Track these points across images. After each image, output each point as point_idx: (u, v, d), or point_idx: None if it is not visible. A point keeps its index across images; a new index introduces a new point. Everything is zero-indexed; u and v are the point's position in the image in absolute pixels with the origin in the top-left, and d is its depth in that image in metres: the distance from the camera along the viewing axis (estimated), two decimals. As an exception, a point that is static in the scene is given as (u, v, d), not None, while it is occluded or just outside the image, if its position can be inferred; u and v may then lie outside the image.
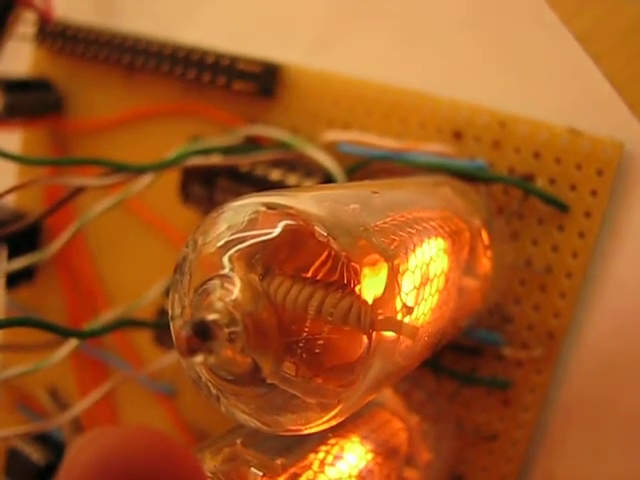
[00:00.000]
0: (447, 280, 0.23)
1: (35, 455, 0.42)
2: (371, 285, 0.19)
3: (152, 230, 0.39)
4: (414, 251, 0.21)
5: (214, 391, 0.22)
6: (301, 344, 0.20)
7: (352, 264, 0.19)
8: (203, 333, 0.18)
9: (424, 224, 0.23)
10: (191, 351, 0.18)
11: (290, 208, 0.20)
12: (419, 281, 0.21)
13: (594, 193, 0.29)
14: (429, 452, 0.28)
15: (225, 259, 0.21)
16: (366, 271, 0.19)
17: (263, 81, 0.34)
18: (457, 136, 0.31)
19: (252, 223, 0.21)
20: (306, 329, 0.20)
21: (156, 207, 0.39)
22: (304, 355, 0.20)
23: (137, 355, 0.40)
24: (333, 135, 0.33)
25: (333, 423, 0.20)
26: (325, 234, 0.19)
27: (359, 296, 0.19)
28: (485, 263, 0.27)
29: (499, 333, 0.31)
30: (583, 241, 0.30)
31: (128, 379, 0.33)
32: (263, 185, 0.33)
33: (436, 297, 0.23)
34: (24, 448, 0.42)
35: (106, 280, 0.42)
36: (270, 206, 0.21)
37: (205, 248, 0.21)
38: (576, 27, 0.30)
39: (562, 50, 0.30)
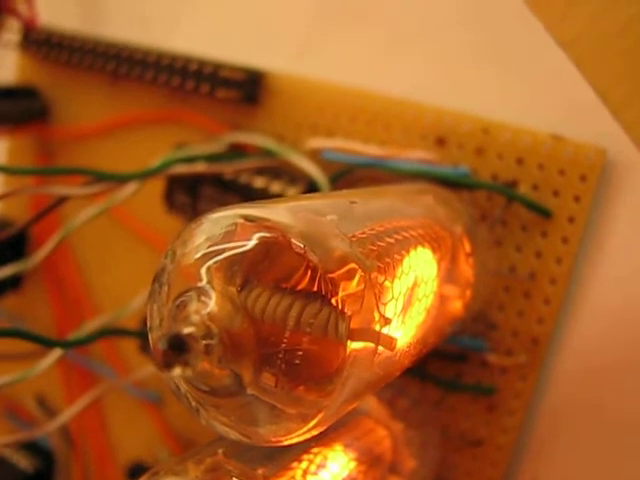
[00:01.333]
0: (427, 289, 0.23)
1: (23, 462, 0.42)
2: (348, 296, 0.19)
3: (137, 238, 0.39)
4: (393, 261, 0.21)
5: (194, 403, 0.22)
6: (280, 355, 0.20)
7: (329, 275, 0.19)
8: (179, 346, 0.18)
9: (404, 233, 0.23)
10: (167, 364, 0.18)
11: (266, 220, 0.20)
12: (398, 291, 0.21)
13: (577, 199, 0.29)
14: (413, 459, 0.28)
15: (203, 271, 0.21)
16: (343, 282, 0.19)
17: (247, 88, 0.34)
18: (440, 143, 0.31)
19: (230, 235, 0.21)
20: (285, 340, 0.20)
21: (141, 215, 0.39)
22: (283, 366, 0.20)
23: (123, 363, 0.40)
24: (317, 142, 0.33)
25: (314, 433, 0.20)
26: (301, 246, 0.19)
27: (336, 307, 0.20)
28: (467, 270, 0.27)
29: (483, 339, 0.31)
30: (567, 247, 0.30)
31: (114, 387, 0.33)
32: (247, 193, 0.33)
33: (416, 306, 0.23)
34: (12, 456, 0.42)
35: (92, 288, 0.42)
36: (247, 218, 0.21)
37: (184, 259, 0.21)
38: (559, 33, 0.30)
39: (545, 56, 0.30)
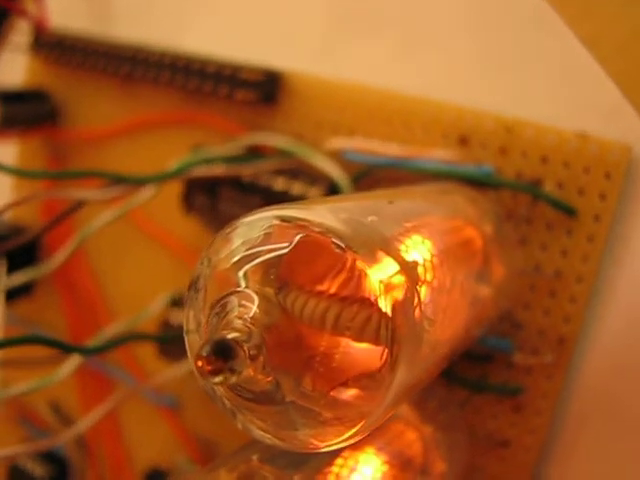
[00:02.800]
0: (463, 289, 0.23)
1: (38, 470, 0.41)
2: (390, 297, 0.19)
3: (154, 242, 0.39)
4: (431, 261, 0.21)
5: (229, 406, 0.22)
6: (318, 358, 0.20)
7: (371, 276, 0.19)
8: (224, 352, 0.18)
9: (440, 234, 0.23)
10: (213, 372, 0.17)
11: (306, 221, 0.20)
12: (437, 291, 0.21)
13: (602, 197, 0.29)
14: (443, 462, 0.28)
15: (240, 275, 0.20)
16: (385, 283, 0.19)
17: (265, 89, 0.34)
18: (463, 142, 0.31)
19: (267, 237, 0.20)
20: (323, 343, 0.20)
21: (158, 218, 0.39)
22: (321, 369, 0.20)
23: (140, 367, 0.39)
24: (338, 142, 0.33)
25: (353, 441, 0.20)
26: (343, 246, 0.19)
27: (379, 308, 0.19)
28: (497, 270, 0.26)
29: (509, 339, 0.31)
30: (592, 245, 0.29)
31: (132, 393, 0.33)
32: (268, 194, 0.33)
33: (453, 307, 0.22)
34: (27, 463, 0.41)
35: (107, 293, 0.42)
36: (285, 219, 0.20)
37: (220, 264, 0.21)
38: (582, 31, 0.30)
39: (568, 54, 0.30)
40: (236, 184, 0.34)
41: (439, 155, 0.31)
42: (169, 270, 0.39)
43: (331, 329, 0.20)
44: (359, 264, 0.19)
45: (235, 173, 0.33)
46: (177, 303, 0.36)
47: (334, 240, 0.19)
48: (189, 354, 0.21)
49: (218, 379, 0.18)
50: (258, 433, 0.22)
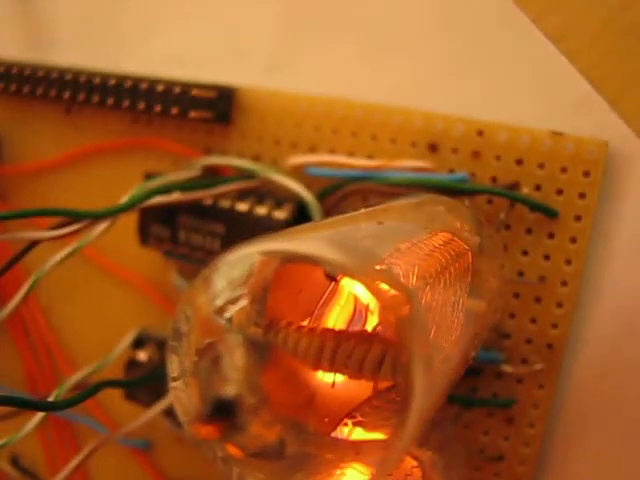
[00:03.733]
0: (460, 307, 0.22)
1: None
2: (400, 326, 0.17)
3: (110, 278, 0.37)
4: (430, 283, 0.20)
5: (227, 463, 0.20)
6: (320, 398, 0.18)
7: (374, 306, 0.18)
8: (225, 411, 0.16)
9: (433, 252, 0.21)
10: (217, 434, 0.16)
11: (293, 253, 0.18)
12: (439, 314, 0.20)
13: (582, 195, 0.28)
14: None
15: (226, 317, 0.19)
16: (391, 312, 0.17)
17: (218, 107, 0.32)
18: (433, 149, 0.30)
19: (251, 275, 0.19)
20: (322, 381, 0.19)
21: (112, 252, 0.36)
22: (325, 410, 0.19)
23: (105, 410, 0.37)
24: (299, 158, 0.31)
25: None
26: (337, 275, 0.18)
27: (385, 339, 0.18)
28: (488, 281, 0.25)
29: (497, 350, 0.30)
30: (576, 246, 0.28)
31: (104, 442, 0.31)
32: (230, 218, 0.31)
33: (454, 327, 0.21)
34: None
35: (64, 337, 0.39)
36: (269, 254, 0.19)
37: (203, 308, 0.19)
38: (547, 26, 0.29)
39: (535, 51, 0.29)
40: (195, 210, 0.32)
41: (409, 164, 0.30)
42: (130, 306, 0.36)
43: (331, 366, 0.18)
44: (358, 294, 0.18)
45: (193, 198, 0.31)
46: (142, 341, 0.34)
47: (328, 270, 0.18)
48: (178, 409, 0.19)
49: (222, 441, 0.16)
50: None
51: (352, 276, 0.17)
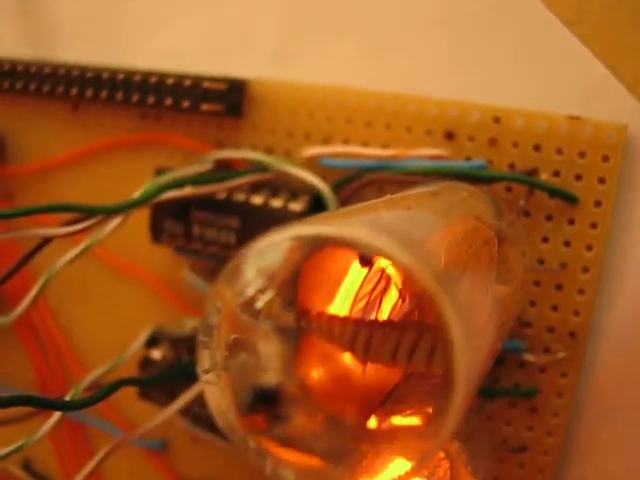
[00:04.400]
0: (491, 294, 0.21)
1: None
2: (442, 312, 0.17)
3: (120, 276, 0.36)
4: (467, 268, 0.19)
5: (261, 454, 0.19)
6: (359, 389, 0.18)
7: (416, 292, 0.17)
8: (269, 400, 0.15)
9: (466, 238, 0.21)
10: (261, 424, 0.15)
11: (330, 237, 0.18)
12: (477, 301, 0.19)
13: (602, 180, 0.28)
14: (472, 477, 0.26)
15: (258, 308, 0.18)
16: (434, 298, 0.17)
17: (230, 99, 0.32)
18: (449, 137, 0.29)
19: (283, 263, 0.18)
20: (360, 370, 0.18)
21: (123, 251, 0.36)
22: (364, 399, 0.18)
23: (118, 411, 0.37)
24: (313, 150, 0.31)
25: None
26: (374, 260, 0.17)
27: (425, 328, 0.17)
28: (514, 268, 0.25)
29: (519, 339, 0.29)
30: (596, 232, 0.28)
31: (120, 444, 0.30)
32: (245, 212, 0.31)
33: (488, 314, 0.21)
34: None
35: (75, 338, 0.39)
36: (303, 239, 0.18)
37: (234, 299, 0.19)
38: (560, 10, 0.28)
39: (549, 35, 0.29)
40: (208, 204, 0.31)
41: (426, 153, 0.29)
42: (142, 305, 0.36)
43: (365, 354, 0.18)
44: (394, 278, 0.17)
45: (206, 192, 0.31)
46: (156, 339, 0.34)
47: (365, 254, 0.17)
48: (210, 403, 0.19)
49: (266, 433, 0.15)
50: (290, 478, 0.19)
51: (391, 259, 0.16)
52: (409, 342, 0.19)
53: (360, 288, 0.19)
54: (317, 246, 0.18)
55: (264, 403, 0.16)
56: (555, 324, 0.29)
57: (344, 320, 0.18)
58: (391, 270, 0.19)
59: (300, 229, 0.18)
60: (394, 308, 0.19)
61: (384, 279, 0.19)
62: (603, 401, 0.29)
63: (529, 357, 0.29)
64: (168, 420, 0.31)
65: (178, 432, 0.36)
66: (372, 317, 0.19)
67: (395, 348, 0.18)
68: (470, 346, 0.17)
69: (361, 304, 0.19)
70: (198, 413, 0.33)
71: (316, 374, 0.18)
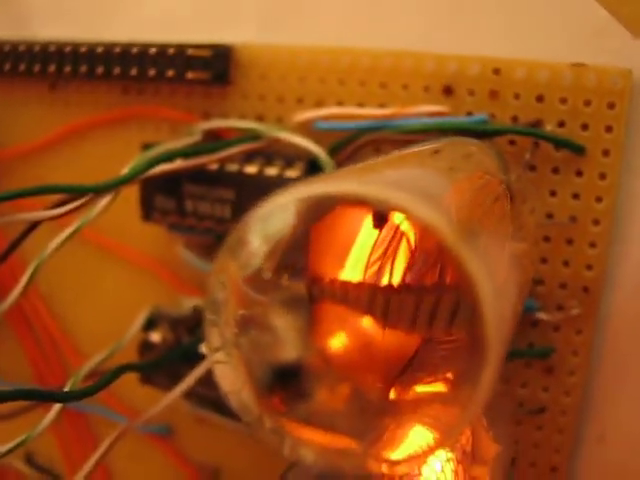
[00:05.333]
0: (508, 251, 0.20)
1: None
2: (468, 271, 0.16)
3: (112, 258, 0.35)
4: (486, 226, 0.18)
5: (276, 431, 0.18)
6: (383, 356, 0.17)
7: (449, 253, 0.16)
8: (290, 377, 0.14)
9: (476, 193, 0.20)
10: (282, 404, 0.14)
11: (340, 194, 0.16)
12: (496, 260, 0.18)
13: (609, 129, 0.27)
14: (495, 444, 0.25)
15: (266, 278, 0.17)
16: (459, 257, 0.16)
17: (216, 66, 0.30)
18: (448, 92, 0.28)
19: (291, 227, 0.17)
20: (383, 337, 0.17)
21: (111, 231, 0.35)
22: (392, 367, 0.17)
23: (120, 397, 0.35)
24: (305, 114, 0.30)
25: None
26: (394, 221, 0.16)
27: (447, 290, 0.16)
28: (528, 223, 0.24)
29: (530, 298, 0.28)
30: (606, 182, 0.27)
31: (124, 432, 0.29)
32: (239, 182, 0.29)
33: (507, 273, 0.20)
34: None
35: (68, 325, 0.37)
36: (312, 199, 0.17)
37: (240, 271, 0.17)
38: (558, -49, 0.27)
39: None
40: (200, 177, 0.30)
41: (424, 110, 0.28)
42: (136, 287, 0.35)
43: (384, 320, 0.17)
44: (412, 238, 0.16)
45: (197, 164, 0.29)
46: (154, 321, 0.33)
47: (380, 212, 0.16)
48: (222, 382, 0.18)
49: (289, 413, 0.14)
50: (310, 457, 0.18)
51: (411, 214, 0.15)
52: (428, 305, 0.17)
53: (373, 250, 0.18)
54: (326, 208, 0.17)
55: (284, 381, 0.14)
56: (567, 280, 0.28)
57: (359, 285, 0.17)
58: (406, 229, 0.17)
59: (308, 189, 0.16)
60: (409, 270, 0.18)
61: (398, 239, 0.18)
62: (620, 357, 0.29)
63: (542, 315, 0.28)
64: (172, 404, 0.30)
65: (182, 415, 0.34)
66: (387, 280, 0.18)
67: (414, 312, 0.17)
68: (498, 306, 0.16)
69: (375, 267, 0.18)
70: (203, 394, 0.32)
71: (335, 342, 0.17)
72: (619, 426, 0.29)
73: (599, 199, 0.27)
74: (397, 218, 0.17)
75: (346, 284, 0.17)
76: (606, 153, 0.27)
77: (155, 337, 0.32)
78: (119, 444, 0.29)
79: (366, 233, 0.18)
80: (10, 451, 0.25)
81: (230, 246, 0.17)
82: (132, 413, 0.34)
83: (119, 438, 0.29)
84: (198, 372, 0.29)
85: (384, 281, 0.18)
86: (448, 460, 0.22)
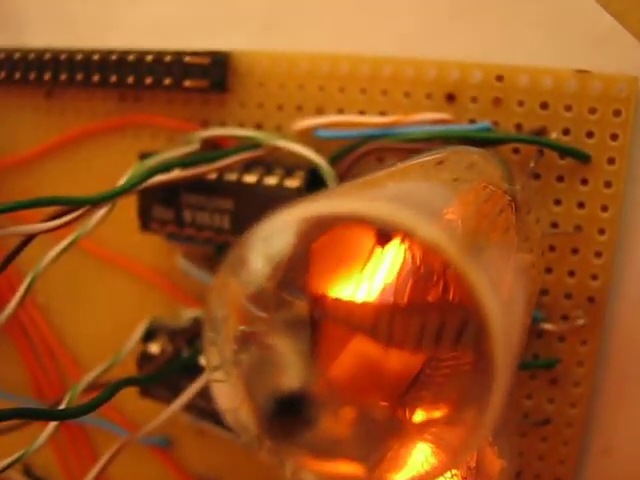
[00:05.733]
0: (516, 264, 0.20)
1: None
2: (473, 288, 0.15)
3: (110, 268, 0.35)
4: (490, 239, 0.18)
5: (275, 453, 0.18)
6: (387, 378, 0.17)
7: (455, 271, 0.15)
8: (293, 404, 0.14)
9: (480, 205, 0.19)
10: (285, 435, 0.14)
11: (343, 214, 0.16)
12: (503, 273, 0.18)
13: (614, 136, 0.26)
14: (500, 459, 0.25)
15: (268, 298, 0.17)
16: (465, 273, 0.15)
17: (214, 74, 0.30)
18: (451, 99, 0.28)
19: (293, 247, 0.17)
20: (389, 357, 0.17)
21: (109, 242, 0.34)
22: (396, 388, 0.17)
23: (119, 410, 0.35)
24: (305, 122, 0.29)
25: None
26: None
27: (453, 309, 0.16)
28: (534, 232, 0.23)
29: (535, 308, 0.28)
30: (611, 191, 0.27)
31: (124, 445, 0.28)
32: (238, 192, 0.29)
33: (515, 286, 0.19)
34: None
35: (67, 337, 0.37)
36: (314, 219, 0.16)
37: (241, 289, 0.17)
38: (562, -44, 0.27)
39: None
40: (199, 187, 0.29)
41: (427, 117, 0.28)
42: (135, 298, 0.34)
43: (389, 341, 0.16)
44: (415, 256, 0.16)
45: (195, 174, 0.29)
46: (152, 333, 0.32)
47: (384, 231, 0.16)
48: (220, 402, 0.17)
49: (293, 443, 0.14)
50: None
51: (414, 234, 0.15)
52: (434, 324, 0.17)
53: (376, 269, 0.17)
54: (328, 226, 0.17)
55: (287, 410, 0.14)
56: (572, 290, 0.28)
57: (362, 306, 0.17)
58: (410, 246, 0.17)
59: (310, 208, 0.16)
60: (414, 289, 0.18)
61: (402, 257, 0.18)
62: (626, 367, 0.28)
63: (547, 326, 0.28)
64: (172, 416, 0.30)
65: (182, 427, 0.34)
66: (391, 299, 0.17)
67: (420, 332, 0.17)
68: (505, 322, 0.16)
69: (378, 286, 0.17)
70: (202, 407, 0.31)
71: (339, 365, 0.16)
72: (625, 438, 0.29)
73: (604, 208, 0.27)
74: (401, 236, 0.17)
75: (349, 304, 0.17)
76: (611, 161, 0.26)
77: (154, 348, 0.32)
78: (119, 456, 0.29)
79: (369, 251, 0.17)
80: (8, 467, 0.25)
81: (230, 264, 0.17)
82: (131, 425, 0.34)
83: (119, 451, 0.28)
84: (197, 385, 0.29)
85: (388, 300, 0.17)
86: (452, 476, 0.22)
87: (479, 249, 0.16)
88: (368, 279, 0.17)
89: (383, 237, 0.17)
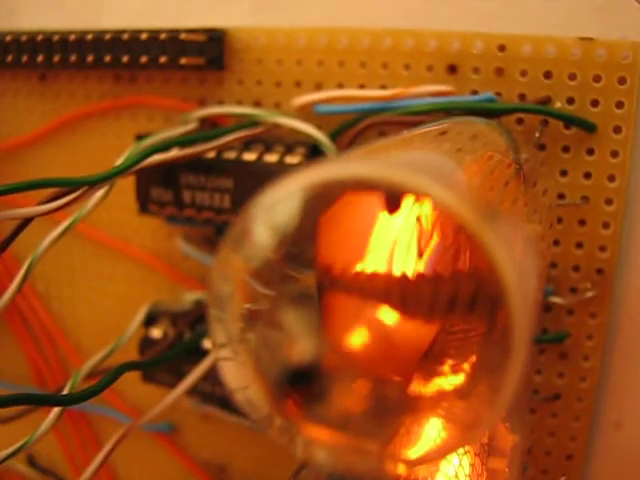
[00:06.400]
0: (527, 235, 0.19)
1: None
2: (489, 253, 0.15)
3: (109, 253, 0.34)
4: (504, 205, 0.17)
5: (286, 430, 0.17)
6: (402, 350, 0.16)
7: (471, 237, 0.15)
8: (305, 377, 0.13)
9: (489, 174, 0.19)
10: (298, 407, 0.13)
11: (352, 178, 0.15)
12: (514, 241, 0.17)
13: (620, 104, 0.26)
14: (512, 435, 0.24)
15: (274, 271, 0.16)
16: (493, 240, 0.15)
17: (210, 51, 0.29)
18: (452, 70, 0.27)
19: (299, 216, 0.16)
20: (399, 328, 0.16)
21: (107, 226, 0.34)
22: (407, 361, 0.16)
23: (121, 397, 0.35)
24: (304, 98, 0.29)
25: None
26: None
27: (465, 277, 0.15)
28: (542, 203, 0.23)
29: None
30: (618, 160, 0.26)
31: (128, 431, 0.28)
32: (238, 170, 0.28)
33: (526, 257, 0.19)
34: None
35: (67, 323, 0.36)
36: (320, 185, 0.16)
37: (246, 263, 0.16)
38: None
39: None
40: (198, 166, 0.29)
41: (428, 90, 0.27)
42: (135, 282, 0.34)
43: (402, 309, 0.16)
44: (427, 223, 0.15)
45: (194, 153, 0.28)
46: (154, 317, 0.32)
47: (393, 196, 0.15)
48: (228, 380, 0.17)
49: (305, 416, 0.13)
50: (323, 458, 0.17)
51: (430, 196, 0.14)
52: (447, 292, 0.17)
53: (386, 237, 0.17)
54: (335, 193, 0.16)
55: (299, 383, 0.13)
56: (580, 262, 0.27)
57: (373, 276, 0.16)
58: (422, 213, 0.17)
59: (315, 174, 0.15)
60: (425, 257, 0.17)
61: (412, 224, 0.17)
62: (636, 339, 0.28)
63: (556, 299, 0.27)
64: (176, 401, 0.30)
65: (186, 412, 0.34)
66: (402, 268, 0.17)
67: (432, 301, 0.16)
68: (526, 297, 0.15)
69: (389, 255, 0.17)
70: (206, 391, 0.31)
71: (351, 336, 0.16)
72: (637, 411, 0.28)
73: (611, 178, 0.26)
74: (410, 202, 0.16)
75: (360, 274, 0.16)
76: (617, 130, 0.26)
77: (155, 333, 0.31)
78: (122, 443, 0.28)
79: (378, 219, 0.17)
80: (10, 456, 0.25)
81: (233, 238, 0.16)
82: (135, 411, 0.34)
83: (123, 438, 0.28)
84: (202, 369, 0.28)
85: (399, 269, 0.17)
86: (465, 453, 0.21)
87: (495, 215, 0.16)
88: (378, 248, 0.17)
89: (393, 205, 0.16)
